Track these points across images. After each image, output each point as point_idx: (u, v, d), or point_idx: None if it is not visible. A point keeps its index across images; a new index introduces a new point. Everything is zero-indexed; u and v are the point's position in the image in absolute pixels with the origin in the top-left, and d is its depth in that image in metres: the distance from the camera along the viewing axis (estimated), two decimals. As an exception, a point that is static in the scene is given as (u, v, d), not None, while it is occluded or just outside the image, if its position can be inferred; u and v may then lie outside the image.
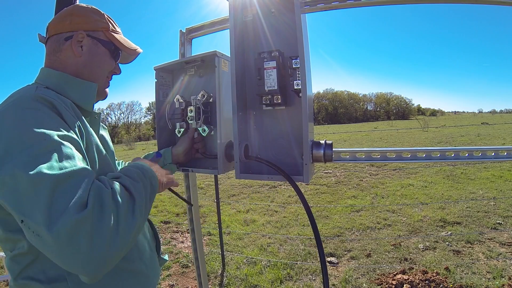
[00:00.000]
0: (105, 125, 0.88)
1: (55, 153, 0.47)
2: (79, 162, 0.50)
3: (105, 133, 0.84)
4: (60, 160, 0.47)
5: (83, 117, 0.67)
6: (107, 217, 0.45)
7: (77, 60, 0.71)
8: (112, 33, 0.76)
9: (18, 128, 0.49)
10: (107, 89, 0.81)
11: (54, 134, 0.50)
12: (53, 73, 0.69)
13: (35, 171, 0.43)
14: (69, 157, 0.49)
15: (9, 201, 0.45)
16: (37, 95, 0.57)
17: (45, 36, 0.75)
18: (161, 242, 0.96)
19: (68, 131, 0.55)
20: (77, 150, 0.54)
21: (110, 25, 0.77)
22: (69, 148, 0.51)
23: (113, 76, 0.86)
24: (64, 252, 0.43)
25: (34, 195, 0.43)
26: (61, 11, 0.75)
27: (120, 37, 0.79)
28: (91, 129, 0.69)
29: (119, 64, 0.85)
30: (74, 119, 0.62)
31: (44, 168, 0.44)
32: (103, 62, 0.75)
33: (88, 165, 0.55)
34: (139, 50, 0.85)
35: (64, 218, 0.42)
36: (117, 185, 0.52)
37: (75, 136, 0.56)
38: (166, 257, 0.96)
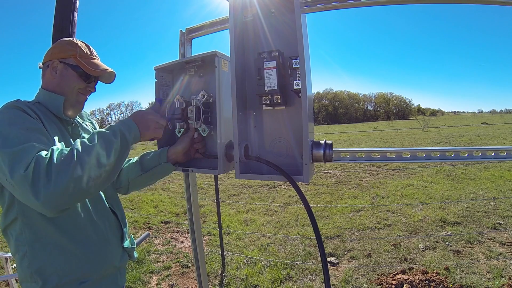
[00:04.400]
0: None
1: (15, 138, 0.72)
2: (32, 141, 0.72)
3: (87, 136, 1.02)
4: (19, 141, 0.71)
5: (60, 124, 0.92)
6: (42, 172, 0.67)
7: (53, 81, 0.93)
8: (80, 59, 0.93)
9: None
10: (83, 104, 0.99)
11: (19, 126, 0.74)
12: (41, 91, 0.94)
13: (5, 149, 0.70)
14: (24, 139, 0.72)
15: None
16: (12, 104, 0.81)
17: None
18: (126, 232, 1.05)
19: (32, 119, 0.79)
20: (39, 133, 0.76)
21: (80, 51, 0.94)
22: (25, 133, 0.74)
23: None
24: (22, 193, 0.67)
25: (6, 163, 0.69)
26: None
27: (89, 61, 0.95)
28: (65, 131, 0.93)
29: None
30: (46, 119, 0.85)
31: (8, 147, 0.70)
32: (71, 81, 0.93)
33: (45, 140, 0.76)
34: (109, 70, 0.98)
35: (16, 174, 0.67)
36: (64, 150, 0.72)
37: (38, 123, 0.79)
38: (127, 243, 1.04)
